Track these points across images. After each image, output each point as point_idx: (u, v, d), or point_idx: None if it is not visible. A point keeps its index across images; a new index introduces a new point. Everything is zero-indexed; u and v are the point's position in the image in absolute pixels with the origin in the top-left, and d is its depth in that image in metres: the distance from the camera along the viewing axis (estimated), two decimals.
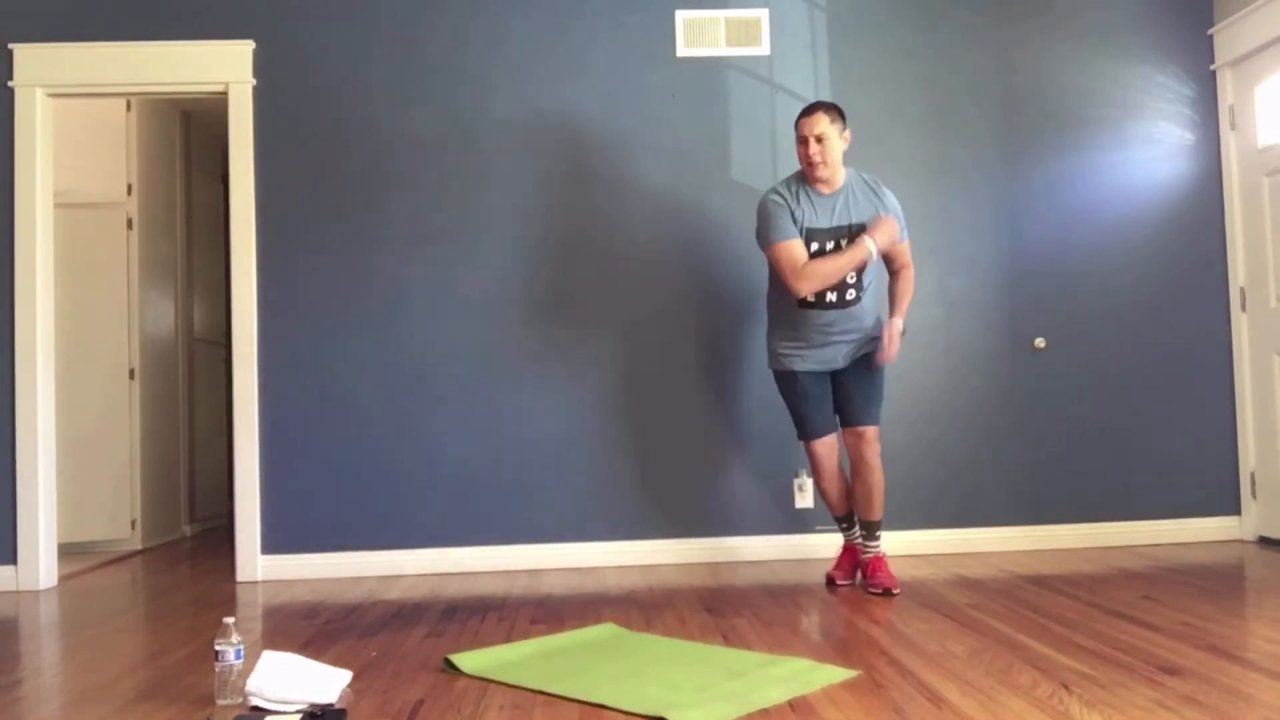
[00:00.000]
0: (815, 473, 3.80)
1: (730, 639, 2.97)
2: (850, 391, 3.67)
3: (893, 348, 3.60)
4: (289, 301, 4.37)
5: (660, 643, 2.92)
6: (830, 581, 3.80)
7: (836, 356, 3.66)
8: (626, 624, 3.21)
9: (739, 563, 4.33)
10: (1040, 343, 4.51)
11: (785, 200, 3.57)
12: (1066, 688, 2.37)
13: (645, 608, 3.46)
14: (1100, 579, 3.71)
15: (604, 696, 2.39)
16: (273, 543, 4.31)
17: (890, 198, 3.68)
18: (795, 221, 3.55)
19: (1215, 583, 3.57)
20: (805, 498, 4.42)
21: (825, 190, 3.59)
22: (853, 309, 3.61)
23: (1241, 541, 4.46)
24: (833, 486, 3.79)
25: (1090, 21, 4.61)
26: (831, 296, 3.57)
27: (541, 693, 2.46)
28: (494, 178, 4.41)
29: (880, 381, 3.71)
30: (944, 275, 4.52)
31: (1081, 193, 4.57)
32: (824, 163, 3.54)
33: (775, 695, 2.35)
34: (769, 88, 4.52)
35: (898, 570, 3.99)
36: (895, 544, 4.40)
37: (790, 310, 3.64)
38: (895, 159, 4.53)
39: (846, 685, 2.44)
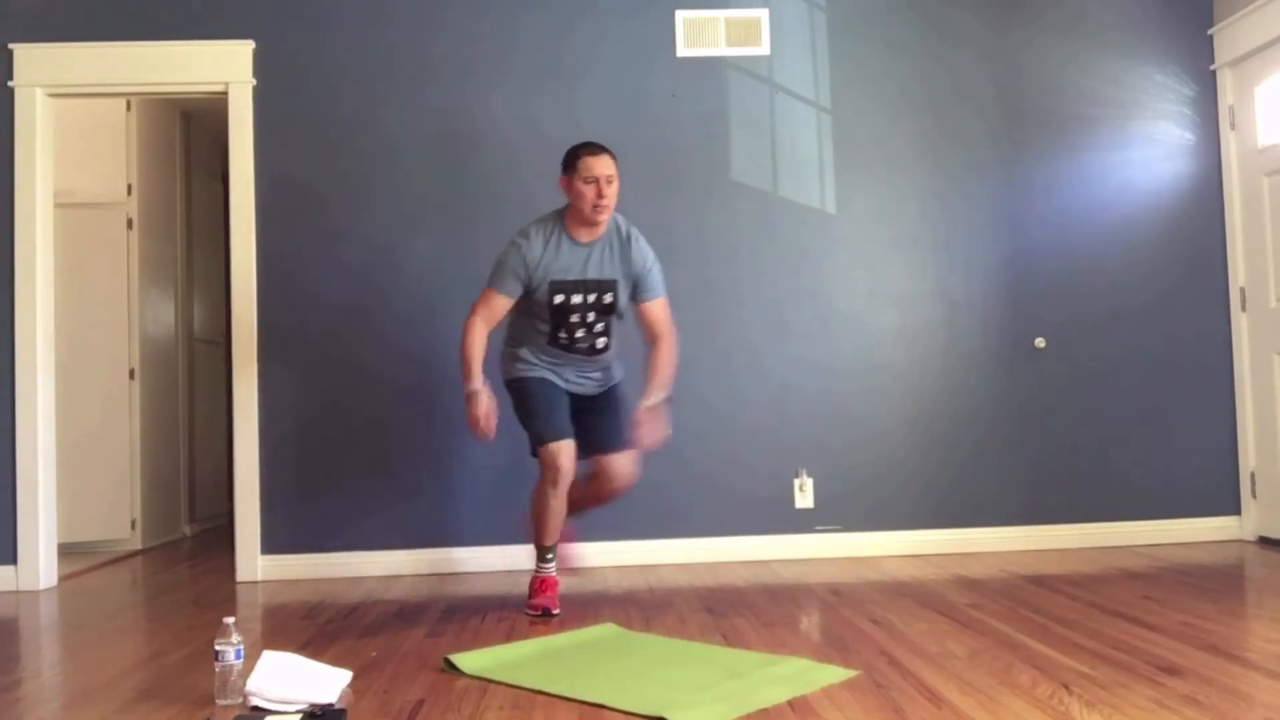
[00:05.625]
0: (551, 485, 3.35)
1: (730, 639, 2.97)
2: (595, 420, 3.53)
3: (649, 430, 3.38)
4: (289, 301, 4.37)
5: (660, 643, 2.92)
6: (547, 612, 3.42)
7: (585, 383, 3.57)
8: (626, 624, 3.21)
9: (739, 563, 4.33)
10: (1040, 343, 4.51)
11: (530, 253, 3.38)
12: (1066, 688, 2.36)
13: (645, 608, 3.46)
14: (1100, 579, 3.71)
15: (604, 696, 2.39)
16: (273, 543, 4.31)
17: (640, 248, 3.49)
18: (537, 272, 3.39)
19: (1215, 583, 3.57)
20: (805, 498, 4.42)
21: (584, 239, 3.42)
22: (601, 356, 3.54)
23: (1241, 541, 4.46)
24: (562, 505, 3.42)
25: (1090, 22, 4.61)
26: (583, 345, 3.48)
27: (541, 693, 2.46)
28: (495, 177, 4.41)
29: (624, 412, 3.54)
30: (944, 275, 4.52)
31: (1081, 193, 4.57)
32: (609, 207, 3.40)
33: (775, 695, 2.35)
34: (769, 88, 4.52)
35: (899, 570, 3.99)
36: (895, 544, 4.41)
37: (540, 344, 3.51)
38: (895, 158, 4.53)
39: (846, 685, 2.44)
